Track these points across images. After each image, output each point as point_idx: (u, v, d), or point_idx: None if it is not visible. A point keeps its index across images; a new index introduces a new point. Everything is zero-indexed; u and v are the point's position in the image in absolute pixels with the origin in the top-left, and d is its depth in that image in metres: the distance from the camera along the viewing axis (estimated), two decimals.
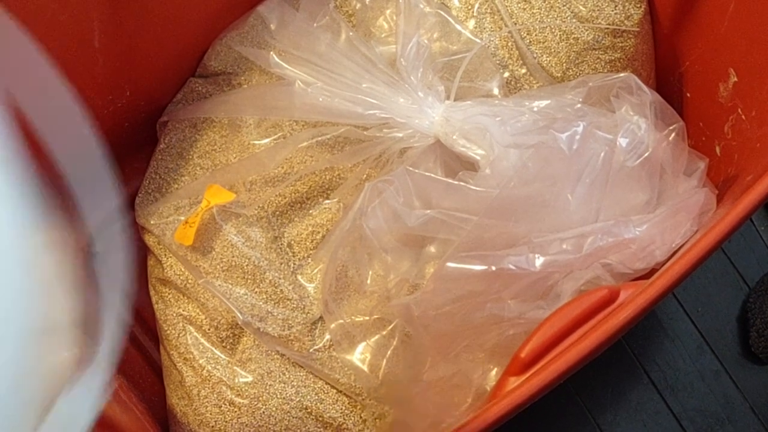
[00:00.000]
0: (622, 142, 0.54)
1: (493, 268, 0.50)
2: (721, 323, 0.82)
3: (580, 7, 0.62)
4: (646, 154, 0.54)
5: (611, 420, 0.79)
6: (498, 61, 0.62)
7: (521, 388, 0.41)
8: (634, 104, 0.57)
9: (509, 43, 0.62)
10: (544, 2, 0.62)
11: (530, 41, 0.62)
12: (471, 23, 0.63)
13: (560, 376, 0.41)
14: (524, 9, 0.62)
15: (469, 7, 0.63)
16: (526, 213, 0.53)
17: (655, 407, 0.79)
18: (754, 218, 0.85)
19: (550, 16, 0.62)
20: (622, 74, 0.58)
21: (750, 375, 0.80)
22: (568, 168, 0.53)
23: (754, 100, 0.56)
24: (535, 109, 0.57)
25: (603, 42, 0.62)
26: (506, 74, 0.62)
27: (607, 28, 0.62)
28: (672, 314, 0.81)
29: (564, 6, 0.62)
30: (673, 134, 0.57)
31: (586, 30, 0.62)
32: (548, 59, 0.62)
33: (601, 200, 0.54)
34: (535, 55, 0.62)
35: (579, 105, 0.57)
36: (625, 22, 0.62)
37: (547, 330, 0.44)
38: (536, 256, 0.50)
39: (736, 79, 0.57)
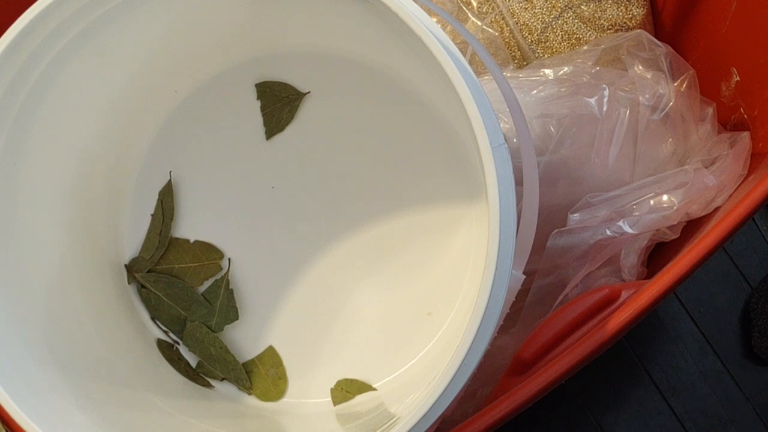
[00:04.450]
0: (644, 98, 0.55)
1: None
2: (723, 324, 0.81)
3: (583, 8, 0.62)
4: (670, 104, 0.56)
5: (612, 421, 0.78)
6: (500, 61, 0.62)
7: (522, 388, 0.41)
8: (646, 59, 0.58)
9: (512, 43, 0.62)
10: (546, 2, 0.62)
11: (532, 41, 0.62)
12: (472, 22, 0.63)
13: (561, 377, 0.41)
14: (526, 9, 0.62)
15: (470, 6, 0.63)
16: (565, 179, 0.53)
17: (657, 408, 0.79)
18: (757, 218, 0.85)
19: (552, 16, 0.62)
20: (632, 32, 0.59)
21: (752, 376, 0.80)
22: (600, 131, 0.54)
23: (757, 100, 0.56)
24: (552, 77, 0.57)
25: None
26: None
27: (610, 28, 0.62)
28: (674, 314, 0.81)
29: (566, 6, 0.62)
30: (686, 83, 0.58)
31: (588, 30, 0.62)
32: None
33: (634, 158, 0.54)
34: (537, 55, 0.62)
35: (597, 68, 0.57)
36: (628, 22, 0.62)
37: (548, 330, 0.44)
38: (626, 220, 0.51)
39: (738, 78, 0.57)
